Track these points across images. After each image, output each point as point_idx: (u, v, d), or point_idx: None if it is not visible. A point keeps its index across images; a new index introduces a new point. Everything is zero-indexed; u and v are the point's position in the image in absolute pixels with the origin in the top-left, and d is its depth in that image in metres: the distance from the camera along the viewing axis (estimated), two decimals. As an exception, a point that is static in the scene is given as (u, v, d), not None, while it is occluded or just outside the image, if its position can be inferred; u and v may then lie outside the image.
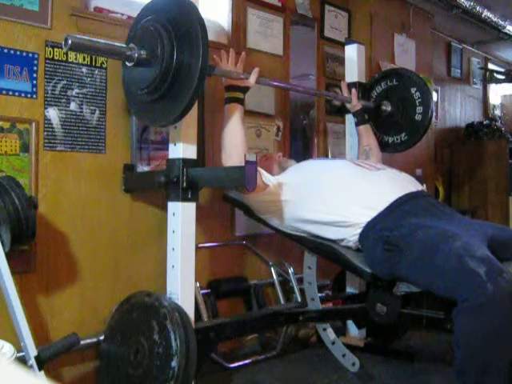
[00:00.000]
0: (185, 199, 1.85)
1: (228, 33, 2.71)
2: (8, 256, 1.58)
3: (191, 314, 1.86)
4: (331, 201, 2.00)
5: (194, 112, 1.84)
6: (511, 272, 1.53)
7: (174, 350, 1.69)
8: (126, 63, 1.77)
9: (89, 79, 2.13)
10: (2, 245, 1.57)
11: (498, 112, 5.39)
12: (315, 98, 3.15)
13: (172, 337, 1.71)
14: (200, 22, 1.64)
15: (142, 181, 2.22)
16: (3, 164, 1.90)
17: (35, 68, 1.98)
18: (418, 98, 2.56)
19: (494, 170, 4.42)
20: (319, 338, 2.57)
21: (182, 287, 1.84)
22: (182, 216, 1.85)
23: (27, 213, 1.61)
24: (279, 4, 2.91)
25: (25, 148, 1.96)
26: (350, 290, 2.70)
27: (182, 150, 1.85)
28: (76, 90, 2.10)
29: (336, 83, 3.15)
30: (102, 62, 2.17)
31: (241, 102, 2.06)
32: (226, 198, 2.37)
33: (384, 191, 1.98)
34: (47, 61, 2.02)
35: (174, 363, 1.69)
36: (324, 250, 2.08)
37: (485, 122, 4.76)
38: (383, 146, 2.65)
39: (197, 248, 2.06)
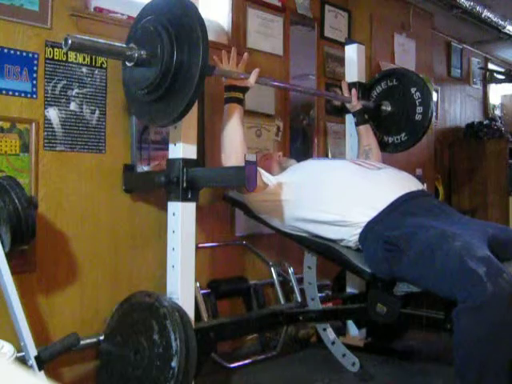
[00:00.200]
0: (185, 199, 1.85)
1: (228, 33, 2.71)
2: (8, 256, 1.58)
3: (191, 314, 1.86)
4: (331, 200, 1.99)
5: (194, 112, 1.84)
6: (511, 272, 1.53)
7: (174, 350, 1.69)
8: (126, 63, 1.77)
9: (89, 79, 2.13)
10: (2, 245, 1.58)
11: (498, 112, 5.39)
12: (315, 97, 3.15)
13: (172, 337, 1.71)
14: (200, 21, 1.64)
15: (142, 181, 2.22)
16: (3, 164, 1.90)
17: (35, 68, 1.98)
18: (418, 98, 2.56)
19: (493, 170, 4.42)
20: (319, 338, 2.57)
21: (181, 287, 1.84)
22: (182, 216, 1.85)
23: (27, 213, 1.61)
24: (279, 4, 2.91)
25: (25, 148, 1.96)
26: (350, 290, 2.70)
27: (182, 150, 1.85)
28: (76, 90, 2.10)
29: (336, 83, 3.15)
30: (102, 62, 2.17)
31: (240, 102, 2.06)
32: (225, 198, 2.37)
33: (384, 190, 1.97)
34: (47, 61, 2.02)
35: (174, 363, 1.69)
36: (324, 249, 2.08)
37: (485, 122, 4.76)
38: (383, 146, 2.65)
39: (197, 248, 2.06)
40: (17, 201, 1.59)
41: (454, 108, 4.78)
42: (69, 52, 2.05)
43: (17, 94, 1.94)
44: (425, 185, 2.23)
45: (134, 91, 1.83)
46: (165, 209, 1.94)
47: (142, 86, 1.75)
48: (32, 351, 1.55)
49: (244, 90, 2.06)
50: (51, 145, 2.03)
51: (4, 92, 1.91)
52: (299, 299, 2.61)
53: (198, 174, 1.86)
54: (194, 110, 1.83)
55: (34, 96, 1.98)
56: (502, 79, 5.11)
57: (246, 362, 2.46)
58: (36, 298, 1.97)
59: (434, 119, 3.65)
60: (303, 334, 2.73)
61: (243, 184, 1.73)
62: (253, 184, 1.72)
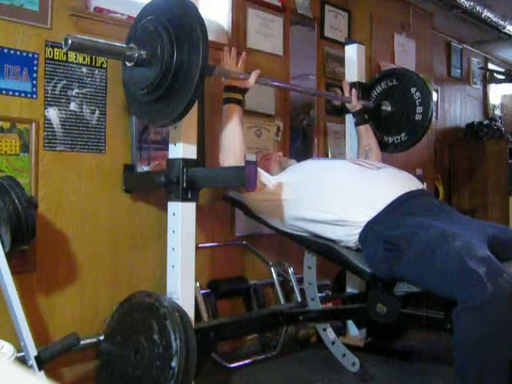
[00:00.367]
0: (185, 199, 1.85)
1: (228, 33, 2.71)
2: (8, 256, 1.58)
3: (191, 314, 1.86)
4: (331, 200, 1.99)
5: (194, 112, 1.84)
6: (511, 272, 1.53)
7: (174, 350, 1.69)
8: (126, 63, 1.77)
9: (89, 79, 2.13)
10: (2, 245, 1.57)
11: (498, 112, 5.39)
12: (315, 97, 3.15)
13: (172, 337, 1.71)
14: (200, 21, 1.64)
15: (142, 181, 2.22)
16: (3, 164, 1.90)
17: (35, 68, 1.98)
18: (418, 98, 2.56)
19: (493, 170, 4.42)
20: (319, 338, 2.57)
21: (181, 287, 1.84)
22: (182, 216, 1.85)
23: (27, 213, 1.61)
24: (279, 4, 2.91)
25: (25, 148, 1.96)
26: (350, 290, 2.70)
27: (182, 150, 1.85)
28: (76, 90, 2.10)
29: (336, 83, 3.15)
30: (102, 62, 2.17)
31: (239, 103, 2.06)
32: (225, 198, 2.37)
33: (384, 190, 1.97)
34: (47, 61, 2.02)
35: (174, 363, 1.69)
36: (324, 249, 2.08)
37: (485, 122, 4.76)
38: (383, 146, 2.65)
39: (197, 248, 2.06)
40: (17, 201, 1.59)
41: (454, 108, 4.78)
42: (69, 52, 2.05)
43: (17, 94, 1.94)
44: (424, 184, 2.23)
45: (134, 91, 1.84)
46: (165, 209, 1.94)
47: (142, 86, 1.75)
48: (32, 351, 1.55)
49: (243, 91, 2.06)
50: (51, 145, 2.03)
51: (4, 92, 1.91)
52: (299, 299, 2.61)
53: (198, 174, 1.86)
54: (194, 110, 1.83)
55: (34, 96, 1.98)
56: (501, 79, 5.11)
57: (246, 361, 2.46)
58: (36, 298, 1.97)
59: (434, 119, 3.65)
60: (303, 333, 2.73)
61: (243, 184, 1.73)
62: (253, 184, 1.72)
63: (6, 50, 1.91)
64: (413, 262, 1.71)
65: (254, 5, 2.79)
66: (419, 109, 2.56)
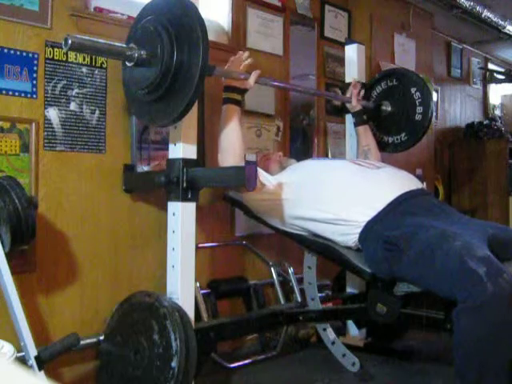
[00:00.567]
0: (185, 199, 1.85)
1: (228, 33, 2.71)
2: (8, 256, 1.58)
3: (191, 314, 1.86)
4: (331, 200, 1.99)
5: (194, 112, 1.84)
6: (511, 272, 1.53)
7: (174, 350, 1.69)
8: (126, 63, 1.77)
9: (89, 79, 2.13)
10: (2, 245, 1.57)
11: (498, 112, 5.39)
12: (315, 97, 3.15)
13: (172, 337, 1.71)
14: (200, 21, 1.64)
15: (142, 181, 2.22)
16: (3, 164, 1.90)
17: (35, 68, 1.98)
18: (418, 98, 2.56)
19: (493, 170, 4.42)
20: (319, 338, 2.57)
21: (181, 287, 1.84)
22: (182, 216, 1.85)
23: (27, 213, 1.61)
24: (279, 4, 2.91)
25: (25, 148, 1.96)
26: (350, 290, 2.70)
27: (182, 150, 1.85)
28: (76, 90, 2.10)
29: (336, 83, 3.15)
30: (102, 62, 2.17)
31: (238, 103, 2.06)
32: (225, 198, 2.37)
33: (384, 190, 1.97)
34: (47, 61, 2.02)
35: (174, 363, 1.69)
36: (324, 249, 2.08)
37: (485, 122, 4.76)
38: (383, 146, 2.65)
39: (197, 248, 2.05)
40: (17, 201, 1.59)
41: (454, 108, 4.78)
42: (69, 52, 2.05)
43: (17, 94, 1.94)
44: (424, 184, 2.23)
45: (134, 91, 1.83)
46: (165, 209, 1.94)
47: (142, 86, 1.75)
48: (32, 351, 1.55)
49: (243, 91, 2.06)
50: (51, 145, 2.03)
51: (4, 92, 1.91)
52: (299, 299, 2.61)
53: (198, 174, 1.86)
54: (194, 110, 1.83)
55: (34, 96, 1.98)
56: (501, 79, 5.11)
57: (246, 361, 2.46)
58: (36, 298, 1.97)
59: (434, 119, 3.65)
60: (303, 333, 2.73)
61: (243, 184, 1.73)
62: (253, 184, 1.72)
63: (6, 50, 1.91)
64: (413, 262, 1.71)
65: (254, 5, 2.79)
66: (419, 109, 2.56)
